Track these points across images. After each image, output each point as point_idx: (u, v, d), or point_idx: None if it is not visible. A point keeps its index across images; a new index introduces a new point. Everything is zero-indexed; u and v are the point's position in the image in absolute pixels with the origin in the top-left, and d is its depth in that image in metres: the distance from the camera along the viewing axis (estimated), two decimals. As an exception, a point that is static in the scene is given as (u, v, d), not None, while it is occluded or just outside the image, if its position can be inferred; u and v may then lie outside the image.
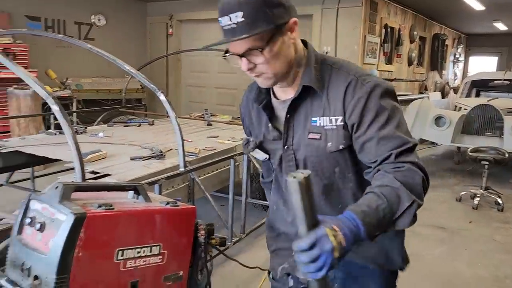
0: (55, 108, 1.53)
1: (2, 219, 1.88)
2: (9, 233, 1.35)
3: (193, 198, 2.85)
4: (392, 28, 7.16)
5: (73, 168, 3.42)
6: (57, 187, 1.01)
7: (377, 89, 1.10)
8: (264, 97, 1.26)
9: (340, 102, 1.13)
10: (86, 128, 3.61)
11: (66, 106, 6.28)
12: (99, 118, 4.61)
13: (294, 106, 1.19)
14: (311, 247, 0.85)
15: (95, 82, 6.89)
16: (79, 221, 0.93)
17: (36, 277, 0.94)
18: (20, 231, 1.05)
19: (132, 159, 2.64)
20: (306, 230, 0.87)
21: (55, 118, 5.73)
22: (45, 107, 5.36)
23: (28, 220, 1.03)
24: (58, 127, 5.47)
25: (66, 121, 1.50)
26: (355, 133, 1.12)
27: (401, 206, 0.97)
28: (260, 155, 1.33)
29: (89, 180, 2.15)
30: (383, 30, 6.83)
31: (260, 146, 1.31)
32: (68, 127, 1.48)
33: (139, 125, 3.99)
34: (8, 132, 5.06)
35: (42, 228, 0.98)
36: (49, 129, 4.53)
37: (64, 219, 0.94)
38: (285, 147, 1.23)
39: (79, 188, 1.07)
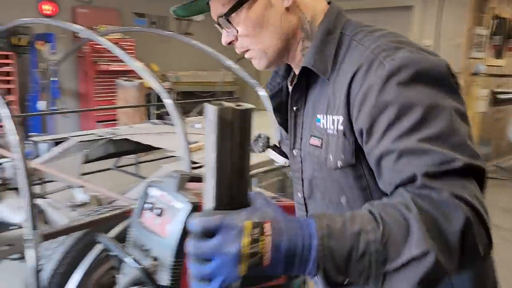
0: (168, 101, 1.64)
1: (115, 200, 2.06)
2: (125, 216, 1.48)
3: (285, 193, 2.88)
4: (503, 19, 6.52)
5: (171, 157, 3.67)
6: (174, 177, 1.09)
7: (404, 71, 0.66)
8: (278, 82, 0.95)
9: (344, 93, 0.73)
10: (184, 119, 3.82)
11: (165, 97, 6.73)
12: (195, 110, 4.84)
13: (299, 95, 0.85)
14: (205, 235, 0.53)
15: (192, 75, 7.26)
16: (195, 210, 0.98)
17: (155, 258, 1.02)
18: (140, 215, 1.14)
19: (228, 151, 2.73)
20: (213, 204, 0.54)
21: (157, 109, 6.17)
22: (148, 97, 5.78)
23: (148, 206, 1.11)
24: (159, 117, 5.87)
25: (177, 113, 1.60)
26: (366, 145, 0.70)
27: (403, 251, 0.54)
28: (277, 158, 1.05)
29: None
30: (493, 21, 6.24)
31: (276, 147, 1.06)
32: (180, 119, 1.58)
33: (233, 118, 4.11)
34: (115, 120, 5.53)
35: (161, 214, 1.06)
36: (150, 119, 4.87)
37: (181, 207, 1.01)
38: (293, 150, 0.91)
39: (192, 179, 1.13)
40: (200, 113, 4.59)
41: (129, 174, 3.78)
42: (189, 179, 1.11)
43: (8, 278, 1.89)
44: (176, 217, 1.00)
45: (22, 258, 1.81)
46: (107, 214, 1.44)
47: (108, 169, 3.83)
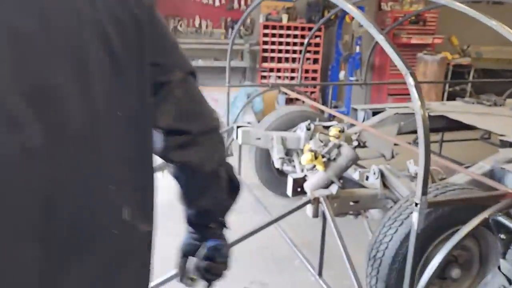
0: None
1: (444, 178, 2.00)
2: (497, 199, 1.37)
3: None
4: None
5: (476, 139, 3.36)
6: None
7: None
8: None
9: None
10: (505, 100, 3.39)
11: (462, 75, 6.16)
12: (510, 91, 4.24)
13: None
14: None
15: (496, 51, 6.37)
16: None
17: None
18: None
19: None
20: None
21: (449, 86, 5.78)
22: (446, 73, 5.45)
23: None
24: (450, 95, 5.48)
25: None
26: None
27: None
28: None
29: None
30: None
31: None
32: None
33: None
34: (408, 94, 5.43)
35: None
36: (443, 97, 4.56)
37: None
38: None
39: None
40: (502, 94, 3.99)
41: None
42: None
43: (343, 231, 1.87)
44: None
45: (357, 214, 1.98)
46: (482, 195, 1.39)
47: (409, 143, 3.83)
